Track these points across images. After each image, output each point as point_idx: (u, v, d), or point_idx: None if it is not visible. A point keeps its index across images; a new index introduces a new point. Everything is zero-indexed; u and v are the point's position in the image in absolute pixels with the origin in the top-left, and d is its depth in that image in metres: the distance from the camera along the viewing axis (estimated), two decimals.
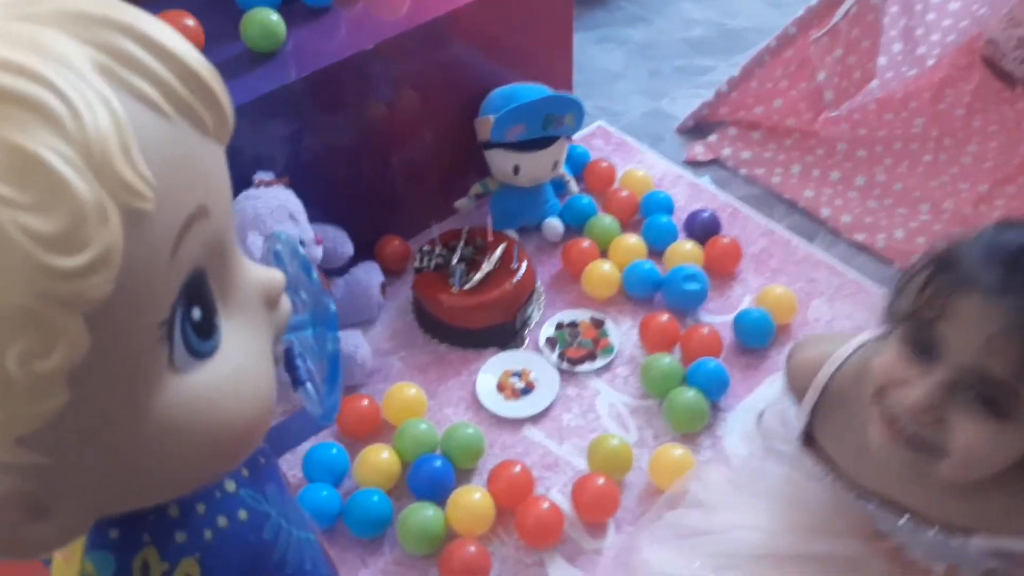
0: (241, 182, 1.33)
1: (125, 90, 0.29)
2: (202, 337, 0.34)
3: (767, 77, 1.82)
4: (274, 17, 1.36)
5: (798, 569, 0.92)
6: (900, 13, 1.65)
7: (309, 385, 0.49)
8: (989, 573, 0.79)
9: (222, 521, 0.41)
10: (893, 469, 0.73)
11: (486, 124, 1.56)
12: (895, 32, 1.68)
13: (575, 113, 1.55)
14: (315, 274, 0.47)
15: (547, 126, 1.54)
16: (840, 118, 1.87)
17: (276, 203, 1.30)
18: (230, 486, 0.43)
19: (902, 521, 0.79)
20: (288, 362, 0.50)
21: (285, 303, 0.40)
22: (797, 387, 0.86)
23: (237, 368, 0.36)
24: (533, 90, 1.55)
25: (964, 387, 0.62)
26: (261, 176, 1.34)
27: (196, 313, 0.33)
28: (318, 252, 1.36)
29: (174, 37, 0.32)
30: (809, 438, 0.87)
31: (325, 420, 0.49)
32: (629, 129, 1.98)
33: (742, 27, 2.30)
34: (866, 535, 0.87)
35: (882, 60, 1.72)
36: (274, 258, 0.50)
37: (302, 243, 1.32)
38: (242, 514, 0.43)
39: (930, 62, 1.78)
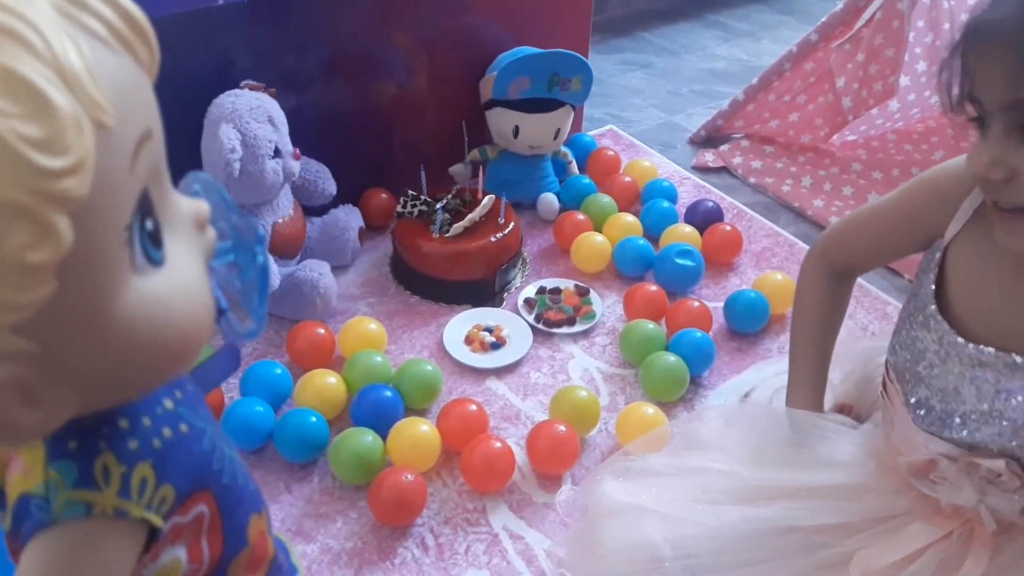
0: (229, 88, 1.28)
1: (79, 27, 0.35)
2: (155, 246, 0.39)
3: (785, 89, 1.78)
4: None
5: (786, 500, 0.80)
6: (927, 28, 1.61)
7: (230, 313, 0.52)
8: None
9: (167, 432, 0.47)
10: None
11: (490, 81, 1.51)
12: (920, 49, 1.64)
13: (584, 78, 1.50)
14: (232, 201, 0.51)
15: (552, 87, 1.49)
16: (858, 143, 1.82)
17: (257, 103, 1.24)
18: (169, 404, 0.49)
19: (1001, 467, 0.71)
20: None
21: (211, 230, 0.46)
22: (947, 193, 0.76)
23: (183, 279, 0.41)
24: (542, 51, 1.50)
25: (1017, 127, 0.61)
26: (248, 82, 1.29)
27: (149, 224, 0.39)
28: (295, 166, 1.29)
29: None
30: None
31: (252, 336, 0.52)
32: (641, 136, 1.93)
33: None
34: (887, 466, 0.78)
35: (905, 80, 1.67)
36: (192, 196, 0.52)
37: (278, 151, 1.26)
38: (183, 427, 0.49)
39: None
